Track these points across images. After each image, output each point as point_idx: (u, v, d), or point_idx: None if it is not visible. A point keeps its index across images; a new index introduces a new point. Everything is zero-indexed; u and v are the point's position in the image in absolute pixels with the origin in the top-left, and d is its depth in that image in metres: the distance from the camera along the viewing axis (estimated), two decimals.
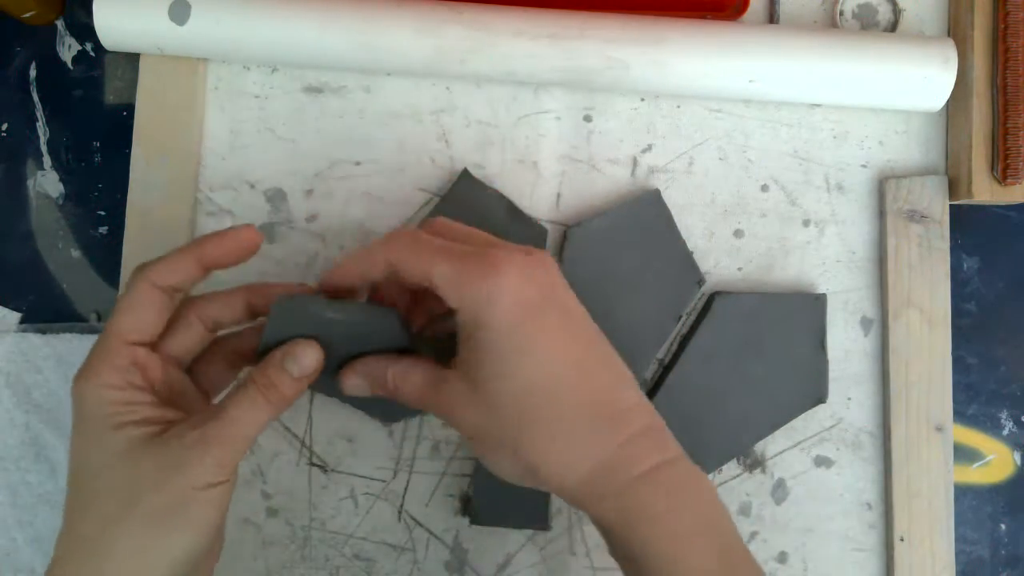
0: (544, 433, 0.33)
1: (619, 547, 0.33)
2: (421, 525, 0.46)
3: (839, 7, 0.49)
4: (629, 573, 0.34)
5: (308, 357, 0.34)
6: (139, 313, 0.34)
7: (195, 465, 0.32)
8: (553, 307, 0.34)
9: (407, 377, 0.36)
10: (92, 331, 0.46)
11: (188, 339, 0.36)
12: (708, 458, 0.45)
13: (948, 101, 0.46)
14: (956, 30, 0.48)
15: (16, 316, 0.48)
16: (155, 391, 0.34)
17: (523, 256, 0.34)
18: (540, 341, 0.33)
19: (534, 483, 0.34)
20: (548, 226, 0.47)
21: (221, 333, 0.38)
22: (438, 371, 0.35)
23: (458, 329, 0.34)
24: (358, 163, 0.48)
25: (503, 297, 0.33)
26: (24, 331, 0.46)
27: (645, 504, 0.32)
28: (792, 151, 0.48)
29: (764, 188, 0.48)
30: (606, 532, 0.34)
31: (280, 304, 0.34)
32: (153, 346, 0.35)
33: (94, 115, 0.49)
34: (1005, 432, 0.49)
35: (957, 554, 0.46)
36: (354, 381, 0.37)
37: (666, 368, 0.46)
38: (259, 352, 0.35)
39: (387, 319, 0.36)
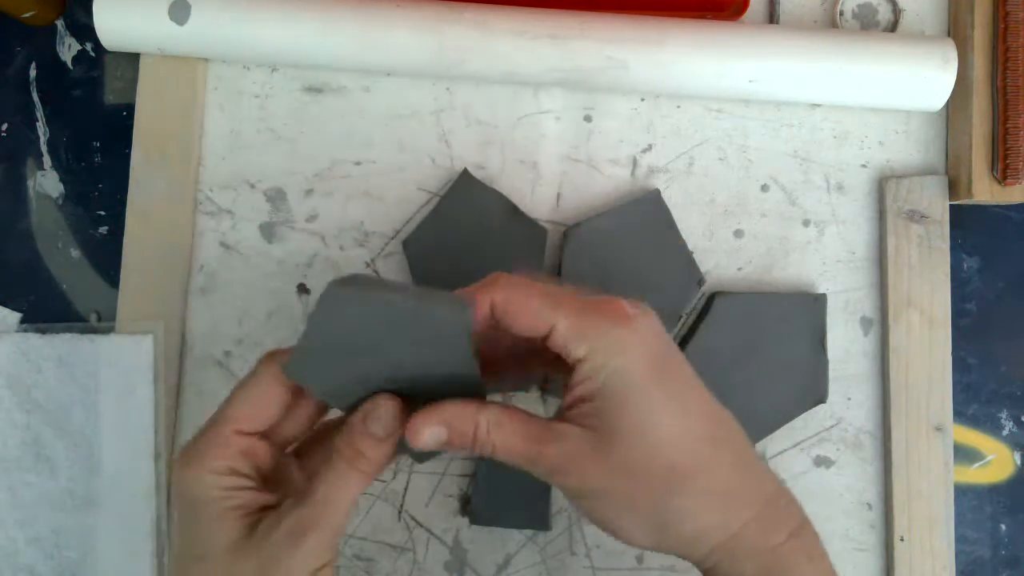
0: (691, 491, 0.31)
1: None
2: (421, 525, 0.46)
3: (839, 7, 0.49)
4: None
5: (388, 413, 0.32)
6: (260, 406, 0.33)
7: (292, 560, 0.31)
8: (678, 361, 0.33)
9: (504, 428, 0.32)
10: (92, 331, 0.46)
11: (299, 423, 0.35)
12: None
13: (948, 101, 0.46)
14: (956, 30, 0.48)
15: (16, 316, 0.48)
16: (260, 476, 0.33)
17: (640, 308, 0.32)
18: (678, 395, 0.32)
19: (666, 544, 0.32)
20: (548, 226, 0.47)
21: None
22: (545, 423, 0.32)
23: (576, 384, 0.32)
24: (358, 163, 0.48)
25: (640, 347, 0.31)
26: (24, 331, 0.46)
27: (789, 568, 0.32)
28: (792, 151, 0.48)
29: (764, 188, 0.48)
30: None
31: (334, 291, 0.31)
32: (264, 433, 0.34)
33: (94, 115, 0.49)
34: (1005, 432, 0.48)
35: (957, 554, 0.46)
36: (431, 431, 0.32)
37: None
38: (296, 360, 0.32)
39: (457, 317, 0.31)
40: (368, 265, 0.47)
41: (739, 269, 0.48)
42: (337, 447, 0.32)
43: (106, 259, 0.48)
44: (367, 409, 0.32)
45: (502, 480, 0.45)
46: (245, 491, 0.32)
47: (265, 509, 0.32)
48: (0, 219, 0.48)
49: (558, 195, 0.48)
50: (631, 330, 0.31)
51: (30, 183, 0.49)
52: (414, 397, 0.33)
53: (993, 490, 0.48)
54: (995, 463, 0.48)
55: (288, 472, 0.35)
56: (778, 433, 0.46)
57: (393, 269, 0.47)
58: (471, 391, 0.33)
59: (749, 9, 0.47)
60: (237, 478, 0.32)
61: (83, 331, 0.46)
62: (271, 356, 0.33)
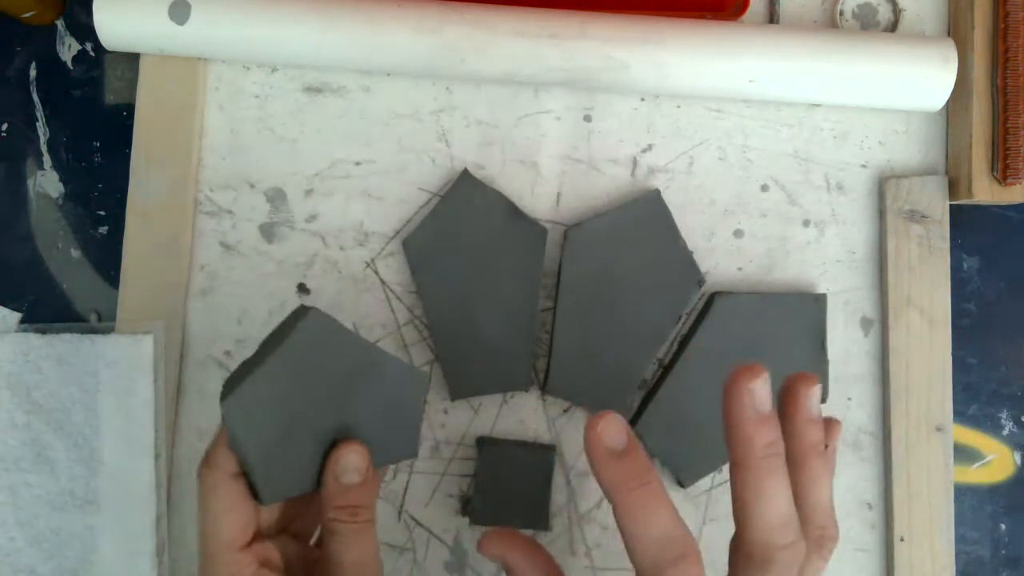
0: None
1: None
2: (421, 525, 0.46)
3: (839, 7, 0.49)
4: None
5: (353, 458, 0.33)
6: (234, 518, 0.33)
7: None
8: None
9: None
10: (92, 331, 0.46)
11: (313, 515, 0.37)
12: (708, 458, 0.45)
13: (948, 101, 0.46)
14: (956, 30, 0.48)
15: (16, 316, 0.48)
16: (292, 570, 0.34)
17: None
18: None
19: None
20: (548, 226, 0.47)
21: None
22: None
23: None
24: (358, 163, 0.48)
25: None
26: (24, 331, 0.46)
27: None
28: (792, 151, 0.48)
29: (764, 188, 0.48)
30: None
31: (312, 320, 0.33)
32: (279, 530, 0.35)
33: (94, 115, 0.49)
34: (1005, 432, 0.49)
35: (957, 554, 0.46)
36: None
37: (666, 368, 0.46)
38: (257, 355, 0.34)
39: (416, 377, 0.35)
40: (368, 265, 0.47)
41: (739, 269, 0.48)
42: (332, 516, 0.33)
43: (106, 259, 0.48)
44: (332, 468, 0.33)
45: (502, 480, 0.45)
46: None
47: None
48: (0, 219, 0.49)
49: (558, 195, 0.48)
50: None
51: (30, 183, 0.49)
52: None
53: (993, 490, 0.48)
54: (995, 463, 0.48)
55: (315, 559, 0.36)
56: None
57: (393, 269, 0.47)
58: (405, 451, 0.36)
59: (749, 9, 0.47)
60: None
61: (83, 331, 0.46)
62: (208, 468, 0.33)
